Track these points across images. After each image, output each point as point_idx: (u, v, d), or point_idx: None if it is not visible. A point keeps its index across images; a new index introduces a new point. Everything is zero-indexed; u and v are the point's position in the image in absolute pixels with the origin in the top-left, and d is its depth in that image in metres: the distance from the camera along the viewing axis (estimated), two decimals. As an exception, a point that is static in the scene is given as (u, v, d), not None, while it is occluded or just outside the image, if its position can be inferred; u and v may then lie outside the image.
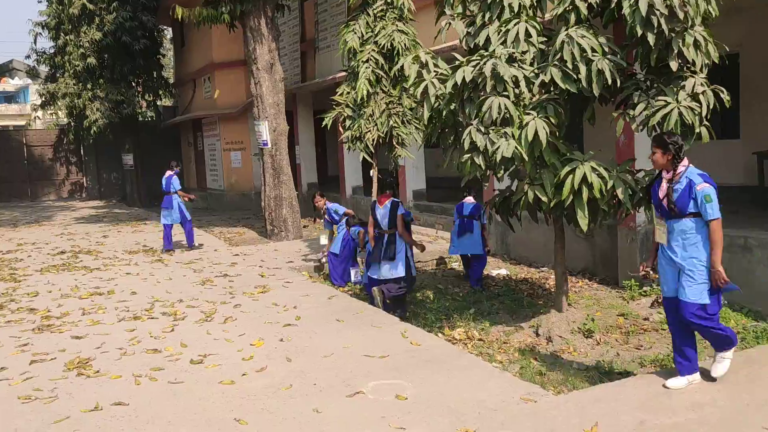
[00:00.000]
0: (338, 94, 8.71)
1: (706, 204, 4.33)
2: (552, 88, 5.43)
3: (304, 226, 14.56)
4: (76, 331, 6.67)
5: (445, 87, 5.56)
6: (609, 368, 5.68)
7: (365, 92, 8.28)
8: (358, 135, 8.47)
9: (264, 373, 5.24)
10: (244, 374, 5.23)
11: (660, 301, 7.36)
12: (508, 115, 5.18)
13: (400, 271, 7.37)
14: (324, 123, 8.62)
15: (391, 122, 8.36)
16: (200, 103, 21.59)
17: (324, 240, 9.64)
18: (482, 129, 5.24)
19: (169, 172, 11.95)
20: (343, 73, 15.20)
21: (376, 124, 8.44)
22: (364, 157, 8.47)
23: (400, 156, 8.47)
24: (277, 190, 13.63)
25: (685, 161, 4.52)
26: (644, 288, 8.06)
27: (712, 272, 4.40)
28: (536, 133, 5.19)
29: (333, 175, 21.24)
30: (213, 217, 18.68)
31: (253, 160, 20.31)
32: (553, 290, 8.51)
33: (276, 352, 5.76)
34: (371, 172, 8.95)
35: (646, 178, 5.76)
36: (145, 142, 23.77)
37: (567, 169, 5.54)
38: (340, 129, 8.59)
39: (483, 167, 5.29)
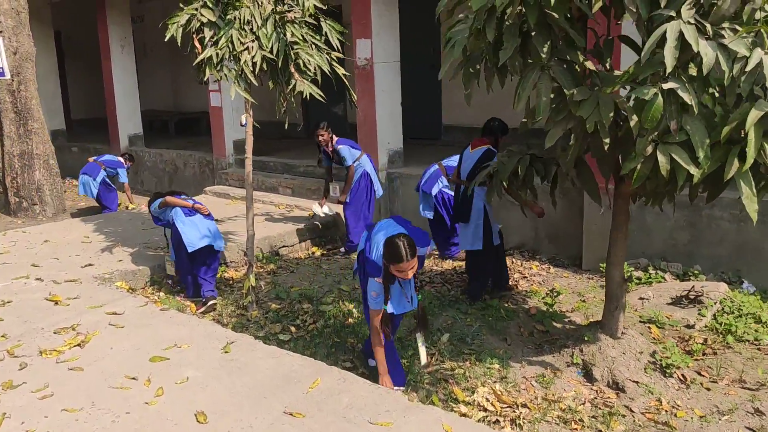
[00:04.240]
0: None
1: None
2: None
3: (64, 191, 10.24)
4: None
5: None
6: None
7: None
8: (225, 55, 4.97)
9: None
10: None
11: (692, 296, 5.38)
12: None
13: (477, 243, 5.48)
14: (168, 34, 4.92)
15: (287, 36, 5.00)
16: None
17: (318, 209, 7.34)
18: (708, 28, 2.45)
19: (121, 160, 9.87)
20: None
21: (257, 38, 5.02)
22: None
23: (298, 92, 5.17)
24: (25, 143, 9.16)
25: None
26: (635, 273, 6.05)
27: None
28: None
29: (78, 119, 16.19)
30: None
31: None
32: (536, 286, 6.05)
33: None
34: (242, 117, 5.51)
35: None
36: None
37: (755, 113, 3.01)
38: (197, 45, 4.99)
39: (692, 101, 2.52)
